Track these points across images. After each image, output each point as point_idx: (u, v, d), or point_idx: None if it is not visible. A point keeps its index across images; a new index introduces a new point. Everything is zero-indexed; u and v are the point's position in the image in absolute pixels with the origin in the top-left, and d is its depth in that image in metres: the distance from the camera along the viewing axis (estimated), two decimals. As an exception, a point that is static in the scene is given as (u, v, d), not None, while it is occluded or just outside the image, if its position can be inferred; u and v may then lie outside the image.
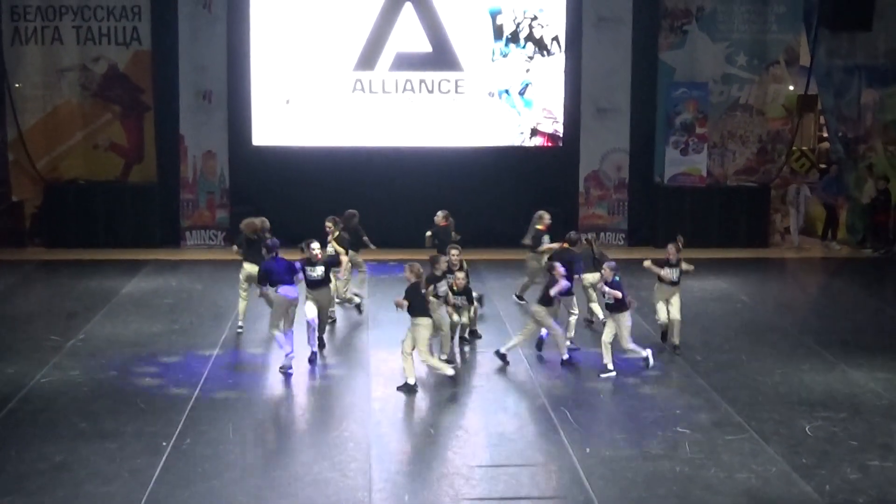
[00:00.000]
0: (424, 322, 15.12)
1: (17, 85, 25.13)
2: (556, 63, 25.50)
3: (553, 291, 15.93)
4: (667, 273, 16.83)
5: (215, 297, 19.74)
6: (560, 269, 16.10)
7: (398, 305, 15.18)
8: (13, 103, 25.00)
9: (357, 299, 19.18)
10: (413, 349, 15.14)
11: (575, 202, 26.10)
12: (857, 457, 12.82)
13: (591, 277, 17.76)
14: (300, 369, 15.79)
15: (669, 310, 16.89)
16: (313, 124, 25.28)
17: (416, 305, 15.13)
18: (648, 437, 13.42)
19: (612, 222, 26.17)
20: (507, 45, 25.39)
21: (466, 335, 17.52)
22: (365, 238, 19.86)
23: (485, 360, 16.54)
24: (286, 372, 15.75)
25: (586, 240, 18.83)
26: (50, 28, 25.10)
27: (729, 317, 19.54)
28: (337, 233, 18.45)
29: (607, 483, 11.97)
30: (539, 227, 19.69)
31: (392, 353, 16.83)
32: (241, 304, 18.10)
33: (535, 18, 25.33)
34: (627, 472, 12.31)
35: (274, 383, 15.58)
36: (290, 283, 16.09)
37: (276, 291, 16.10)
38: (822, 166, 30.02)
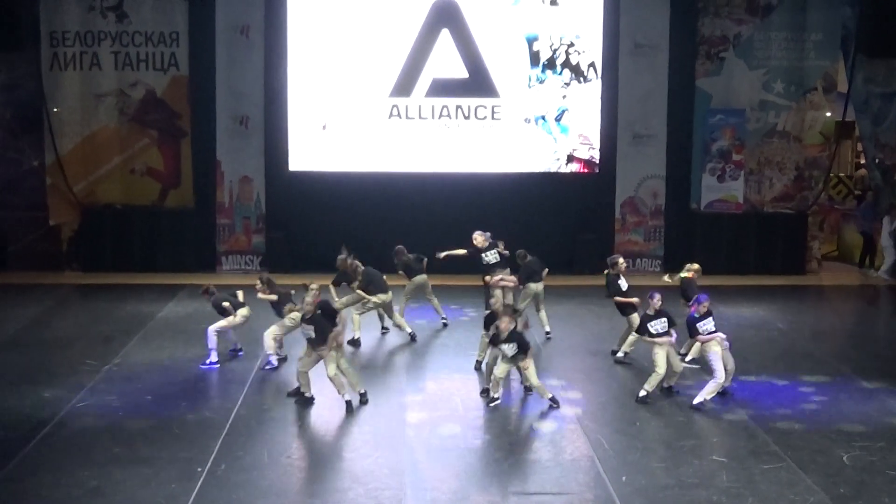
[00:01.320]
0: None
1: (55, 110, 25.31)
2: (593, 89, 25.47)
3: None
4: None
5: (251, 322, 19.73)
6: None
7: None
8: (51, 128, 25.18)
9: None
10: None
11: (611, 228, 26.01)
12: (895, 486, 12.68)
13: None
14: (335, 397, 15.71)
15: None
16: (349, 150, 25.33)
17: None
18: (685, 465, 13.32)
19: (648, 249, 26.06)
20: (543, 71, 25.39)
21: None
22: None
23: (516, 385, 16.44)
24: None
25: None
26: (88, 54, 25.29)
27: (765, 344, 19.40)
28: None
29: (643, 512, 11.90)
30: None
31: (427, 378, 16.87)
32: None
33: (571, 45, 25.31)
34: (664, 501, 12.23)
35: (309, 410, 15.54)
36: None
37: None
38: (859, 193, 29.86)
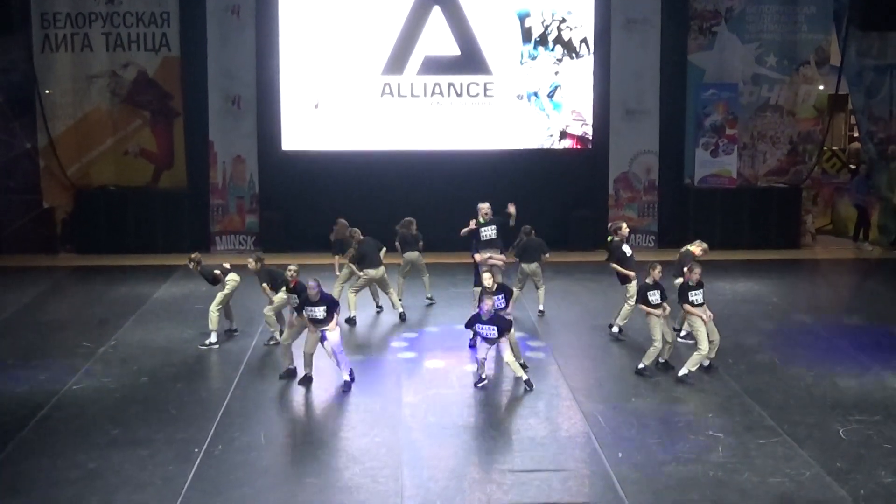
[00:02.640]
0: None
1: (47, 92, 25.25)
2: (585, 65, 25.43)
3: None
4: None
5: (246, 302, 19.73)
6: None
7: None
8: (43, 110, 25.13)
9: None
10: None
11: (604, 204, 26.00)
12: (891, 460, 12.73)
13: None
14: (331, 377, 15.71)
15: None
16: (342, 129, 25.28)
17: None
18: (681, 441, 13.35)
19: (642, 224, 26.05)
20: (535, 47, 25.34)
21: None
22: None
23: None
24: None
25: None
26: (80, 35, 25.20)
27: (760, 319, 19.42)
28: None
29: (640, 488, 11.93)
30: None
31: (423, 357, 16.90)
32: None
33: (563, 21, 25.26)
34: (660, 476, 12.26)
35: (305, 390, 15.55)
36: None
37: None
38: (853, 166, 29.86)
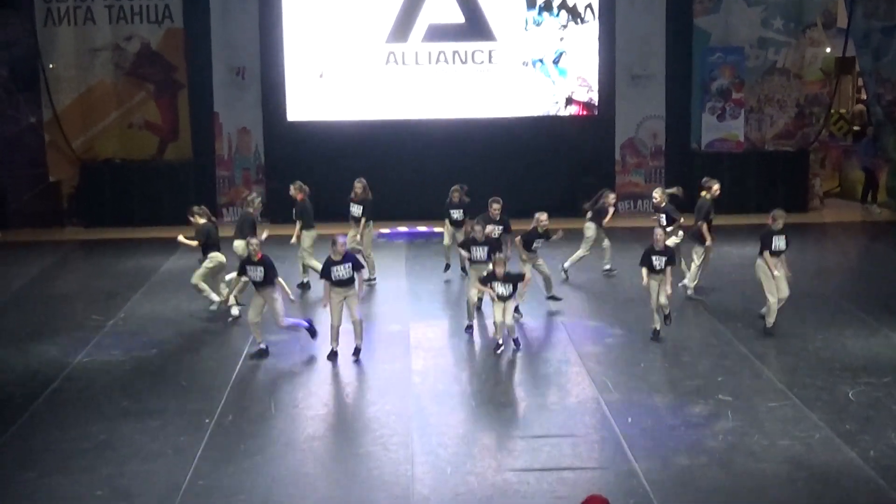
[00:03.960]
0: None
1: (51, 66, 25.22)
2: (590, 31, 25.32)
3: None
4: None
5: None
6: None
7: None
8: (48, 84, 25.10)
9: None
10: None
11: (611, 170, 25.96)
12: (901, 422, 12.75)
13: None
14: (340, 346, 15.69)
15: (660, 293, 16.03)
16: (347, 98, 25.24)
17: None
18: (690, 405, 13.36)
19: (648, 190, 25.87)
20: (540, 13, 25.24)
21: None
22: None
23: (522, 330, 16.46)
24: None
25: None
26: (82, 8, 25.14)
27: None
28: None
29: (649, 453, 11.94)
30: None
31: (430, 326, 16.92)
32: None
33: (567, -14, 25.19)
34: (670, 441, 12.27)
35: (314, 359, 15.57)
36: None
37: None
38: (856, 128, 29.75)
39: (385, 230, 23.86)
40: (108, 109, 25.66)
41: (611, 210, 19.51)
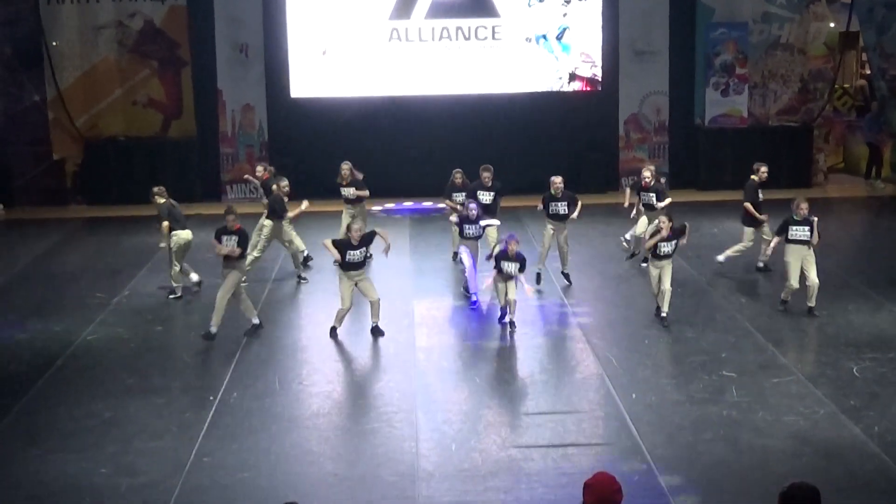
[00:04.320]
0: None
1: (54, 43, 25.17)
2: (594, 6, 25.24)
3: None
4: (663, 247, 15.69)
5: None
6: None
7: None
8: (51, 62, 25.06)
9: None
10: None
11: (615, 146, 25.94)
12: (905, 397, 12.76)
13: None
14: (343, 323, 15.70)
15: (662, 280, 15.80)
16: (350, 75, 25.18)
17: None
18: (694, 381, 13.38)
19: (653, 165, 25.95)
20: (543, -11, 25.18)
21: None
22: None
23: (526, 307, 16.46)
24: None
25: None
26: (85, -15, 25.12)
27: (773, 258, 19.36)
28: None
29: (654, 429, 11.97)
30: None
31: (434, 304, 16.93)
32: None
33: (571, -38, 25.10)
34: (674, 417, 12.30)
35: (318, 336, 15.60)
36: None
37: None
38: (860, 104, 29.69)
39: (390, 205, 23.87)
40: (111, 87, 25.62)
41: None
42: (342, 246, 15.16)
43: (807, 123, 26.18)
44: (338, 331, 15.43)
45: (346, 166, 19.35)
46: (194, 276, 17.82)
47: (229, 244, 15.32)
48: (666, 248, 15.51)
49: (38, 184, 25.49)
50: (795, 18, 25.96)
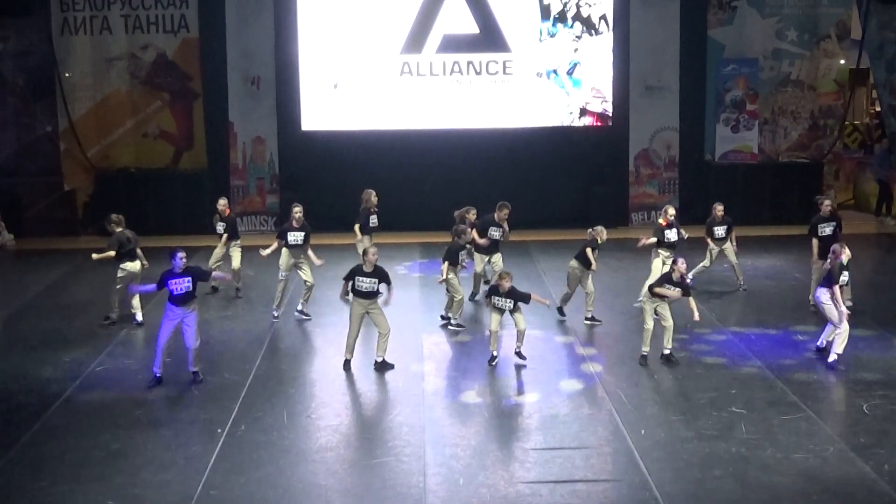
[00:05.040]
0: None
1: (67, 74, 25.33)
2: (605, 42, 25.35)
3: None
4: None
5: (267, 283, 19.77)
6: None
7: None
8: (63, 93, 25.19)
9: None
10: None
11: (625, 181, 25.98)
12: (915, 435, 12.71)
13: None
14: (357, 356, 15.67)
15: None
16: (362, 108, 25.28)
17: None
18: (703, 417, 13.34)
19: (662, 201, 25.93)
20: (554, 24, 25.27)
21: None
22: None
23: (535, 342, 16.43)
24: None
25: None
26: (98, 17, 25.27)
27: (782, 294, 19.38)
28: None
29: (663, 465, 11.92)
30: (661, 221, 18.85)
31: (443, 337, 16.91)
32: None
33: (582, -3, 25.22)
34: (683, 453, 12.25)
35: (327, 369, 15.60)
36: None
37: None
38: (868, 144, 29.73)
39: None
40: (123, 118, 25.76)
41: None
42: (352, 272, 15.27)
43: (817, 160, 26.19)
44: (351, 363, 15.41)
45: (297, 209, 18.45)
46: (138, 316, 17.84)
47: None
48: (672, 290, 15.41)
49: (49, 214, 25.60)
50: (806, 55, 26.03)
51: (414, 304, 19.01)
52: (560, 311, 17.83)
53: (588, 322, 17.57)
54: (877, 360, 15.49)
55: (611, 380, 14.81)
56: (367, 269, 15.15)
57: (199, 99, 25.78)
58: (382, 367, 15.34)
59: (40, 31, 25.10)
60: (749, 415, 13.38)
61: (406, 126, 25.38)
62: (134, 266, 17.71)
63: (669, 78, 25.69)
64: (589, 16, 25.28)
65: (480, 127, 25.38)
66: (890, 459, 11.95)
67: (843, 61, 26.46)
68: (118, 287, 17.77)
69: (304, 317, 18.11)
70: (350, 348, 15.44)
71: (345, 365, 15.41)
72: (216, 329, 17.52)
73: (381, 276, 15.27)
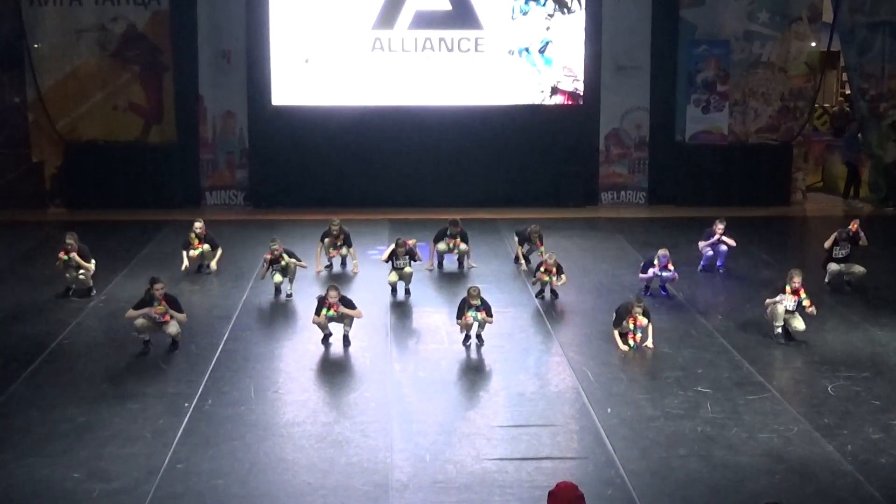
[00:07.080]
0: None
1: (35, 46, 25.09)
2: (577, 21, 25.32)
3: None
4: None
5: (236, 258, 19.74)
6: None
7: None
8: (32, 64, 24.97)
9: None
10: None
11: (595, 161, 25.98)
12: (879, 417, 12.80)
13: None
14: (320, 334, 15.69)
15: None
16: (332, 84, 25.18)
17: None
18: (670, 396, 13.40)
19: (632, 181, 26.05)
20: (526, 2, 25.21)
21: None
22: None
23: (504, 320, 16.45)
24: None
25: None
26: (68, -12, 25.06)
27: (750, 276, 19.45)
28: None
29: (628, 443, 11.98)
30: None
31: (411, 315, 16.93)
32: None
33: (554, -24, 25.17)
34: (649, 432, 12.31)
35: (295, 345, 15.60)
36: None
37: None
38: (837, 128, 29.88)
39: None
40: (92, 90, 25.52)
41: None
42: (319, 304, 15.36)
43: (786, 142, 26.28)
44: (330, 338, 15.49)
45: (199, 224, 19.29)
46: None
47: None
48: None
49: (17, 186, 25.37)
50: (777, 37, 26.06)
51: (382, 279, 18.98)
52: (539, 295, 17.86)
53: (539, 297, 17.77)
54: (841, 342, 15.60)
55: (578, 358, 14.85)
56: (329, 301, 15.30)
57: (170, 72, 25.59)
58: (346, 340, 15.42)
59: (9, 2, 24.81)
60: (715, 394, 13.46)
61: (376, 102, 25.29)
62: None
63: (641, 58, 25.68)
64: (561, -6, 25.28)
65: (451, 104, 25.31)
66: (853, 440, 12.05)
67: (814, 44, 26.52)
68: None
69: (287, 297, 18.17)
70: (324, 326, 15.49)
71: (323, 339, 15.51)
72: (184, 303, 17.34)
73: (346, 303, 15.42)
